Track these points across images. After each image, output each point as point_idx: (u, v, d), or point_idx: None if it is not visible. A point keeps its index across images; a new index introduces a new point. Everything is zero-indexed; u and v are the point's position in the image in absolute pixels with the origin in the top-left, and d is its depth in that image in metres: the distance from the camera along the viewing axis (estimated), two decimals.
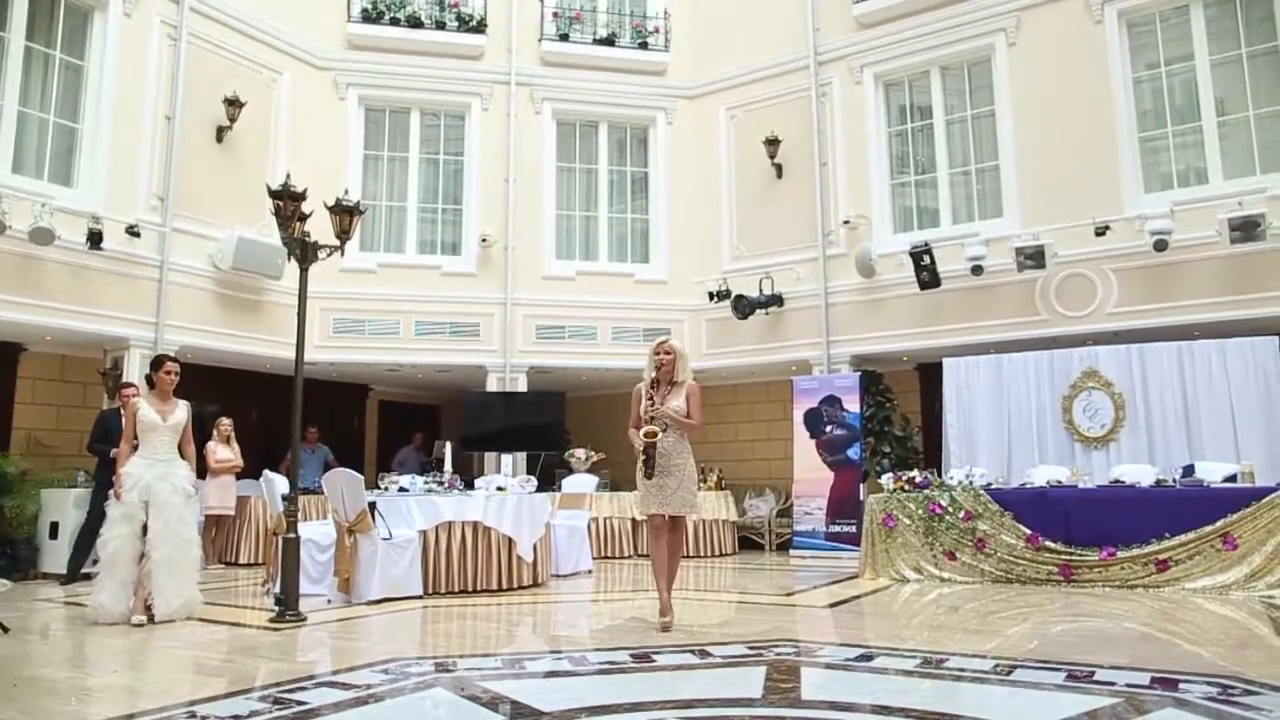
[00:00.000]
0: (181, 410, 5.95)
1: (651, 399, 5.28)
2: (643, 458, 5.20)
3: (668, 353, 5.34)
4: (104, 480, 7.97)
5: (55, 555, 8.16)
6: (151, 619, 5.47)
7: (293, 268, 6.44)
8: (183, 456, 5.94)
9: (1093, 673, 3.82)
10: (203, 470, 9.30)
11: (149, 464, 5.74)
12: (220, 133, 9.77)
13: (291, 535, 5.80)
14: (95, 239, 8.34)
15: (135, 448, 5.82)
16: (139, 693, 3.84)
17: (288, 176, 6.18)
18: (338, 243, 6.26)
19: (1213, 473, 7.28)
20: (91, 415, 8.47)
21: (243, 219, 9.68)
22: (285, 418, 6.19)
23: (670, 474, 5.24)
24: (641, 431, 5.21)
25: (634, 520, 10.03)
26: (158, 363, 6.10)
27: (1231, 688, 3.51)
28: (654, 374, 5.35)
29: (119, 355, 8.96)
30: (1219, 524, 6.62)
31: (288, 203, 6.01)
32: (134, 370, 8.78)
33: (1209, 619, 5.50)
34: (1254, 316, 8.29)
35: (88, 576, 7.80)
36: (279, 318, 9.92)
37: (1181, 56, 9.13)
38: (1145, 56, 9.35)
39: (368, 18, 11.09)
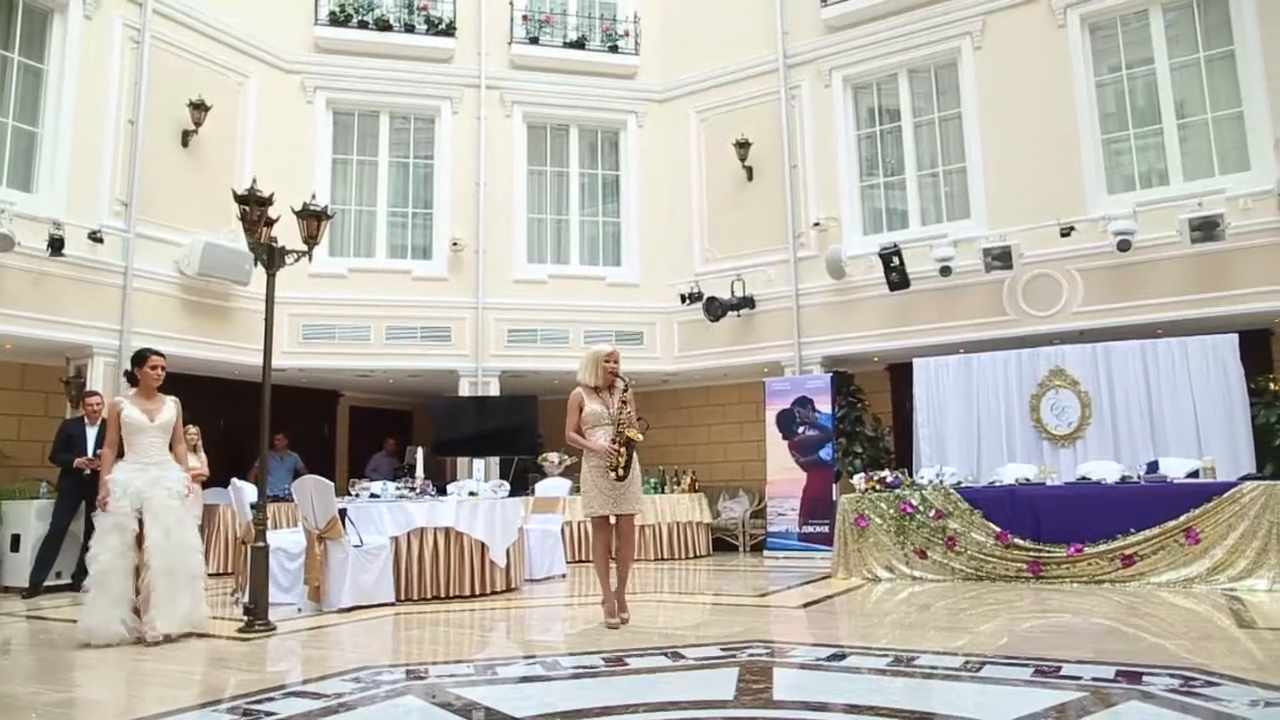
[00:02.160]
0: (170, 408, 5.50)
1: (623, 405, 5.51)
2: (623, 460, 5.39)
3: (618, 360, 5.65)
4: (67, 490, 7.86)
5: (17, 568, 8.00)
6: (153, 637, 5.01)
7: (260, 273, 6.37)
8: (175, 459, 5.50)
9: (1059, 668, 3.87)
10: None
11: (138, 469, 5.28)
12: (185, 136, 9.64)
13: (260, 544, 5.73)
14: (56, 245, 8.18)
15: (121, 454, 5.33)
16: (102, 707, 3.78)
17: (254, 181, 6.11)
18: (306, 248, 6.20)
19: (1176, 469, 7.41)
20: (54, 425, 8.32)
21: (209, 224, 9.56)
22: (254, 425, 6.11)
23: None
24: (626, 434, 5.40)
25: None
26: (141, 357, 5.56)
27: (1194, 679, 3.58)
28: (597, 381, 5.58)
29: (82, 363, 8.80)
30: (1182, 519, 6.74)
31: (254, 207, 5.94)
32: (97, 379, 8.64)
33: (1173, 612, 5.60)
34: (1214, 315, 8.46)
35: (50, 589, 7.68)
36: (247, 324, 9.81)
37: (1142, 60, 9.30)
38: (1107, 60, 9.51)
39: (335, 20, 11.00)
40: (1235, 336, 8.32)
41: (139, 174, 9.12)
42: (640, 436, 5.45)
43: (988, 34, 9.91)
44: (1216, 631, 4.88)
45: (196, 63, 9.86)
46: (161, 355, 5.67)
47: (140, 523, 5.20)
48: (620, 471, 5.39)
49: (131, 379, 5.59)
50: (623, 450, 5.40)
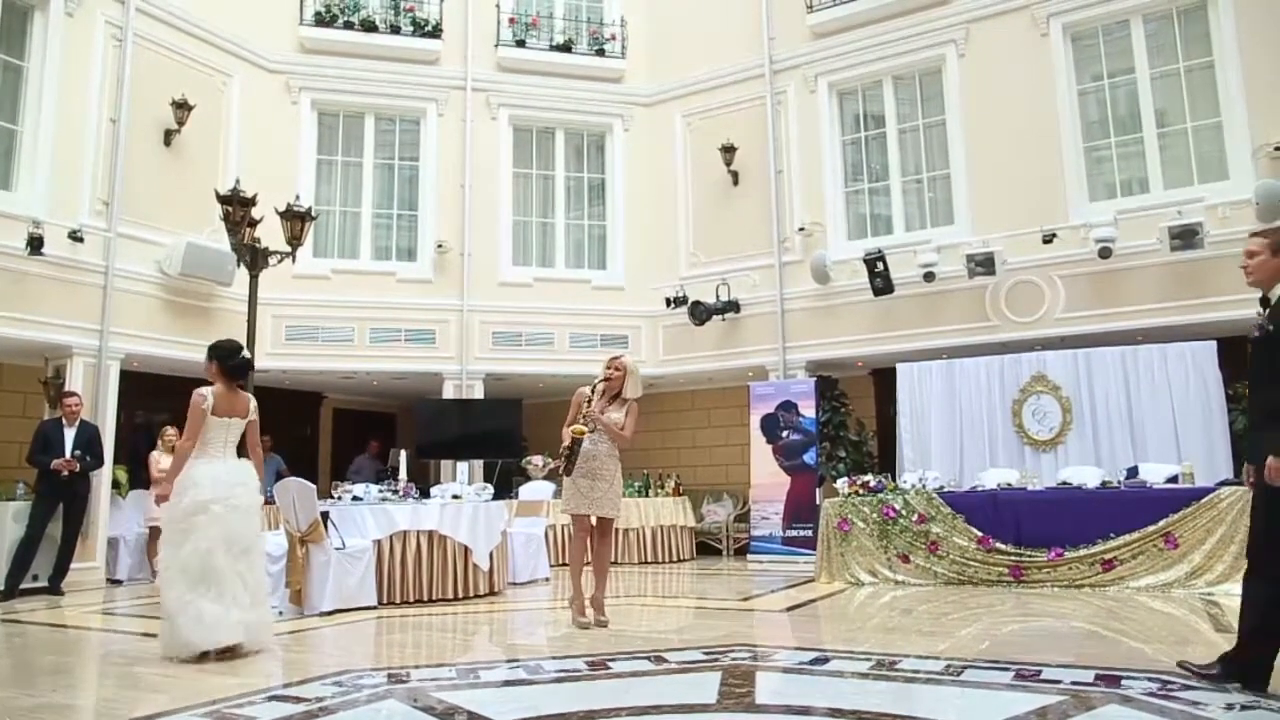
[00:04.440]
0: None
1: (589, 401, 5.51)
2: (565, 453, 5.39)
3: (618, 369, 5.57)
4: (44, 492, 7.78)
5: None
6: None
7: (243, 274, 6.35)
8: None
9: (1040, 671, 3.90)
10: (147, 480, 9.11)
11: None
12: (168, 136, 9.57)
13: None
14: (36, 244, 8.10)
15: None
16: (78, 712, 3.73)
17: (237, 181, 6.10)
18: (289, 249, 6.18)
19: (1155, 474, 7.48)
20: (32, 426, 8.22)
21: (192, 224, 9.48)
22: None
23: (600, 478, 5.49)
24: (569, 428, 5.40)
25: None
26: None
27: (1171, 683, 3.61)
28: (602, 384, 5.56)
29: (61, 364, 8.70)
30: (1161, 524, 6.81)
31: (237, 208, 5.94)
32: (76, 379, 8.55)
33: (1152, 616, 5.65)
34: (1194, 322, 8.55)
35: (26, 592, 7.58)
36: (230, 324, 9.70)
37: (1124, 69, 9.40)
38: (1090, 69, 9.61)
39: (320, 21, 10.96)
40: (1214, 343, 8.41)
41: (120, 173, 9.04)
42: (583, 430, 5.36)
43: (972, 42, 9.98)
44: (1194, 635, 4.93)
45: (180, 62, 9.79)
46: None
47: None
48: (563, 465, 5.41)
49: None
50: (563, 445, 5.40)
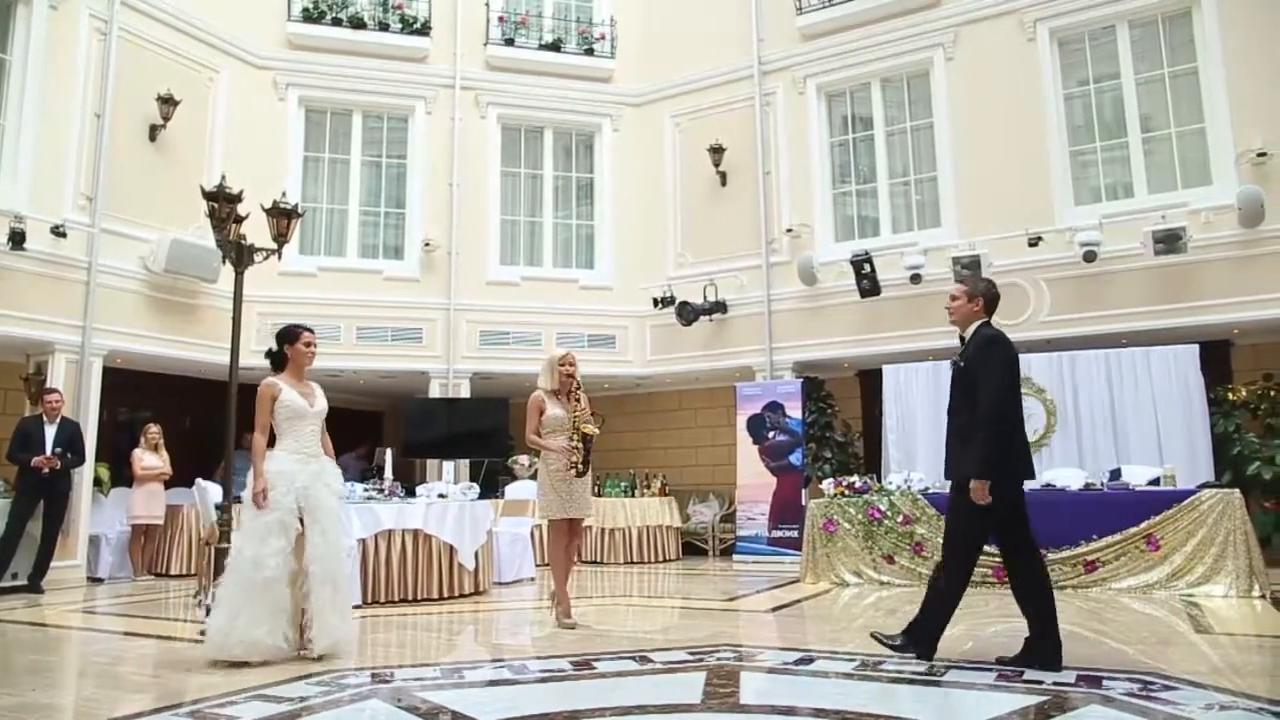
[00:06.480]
0: (322, 395, 4.88)
1: (575, 403, 5.66)
2: (581, 456, 5.51)
3: (573, 363, 5.74)
4: (25, 490, 7.71)
5: None
6: (310, 654, 4.45)
7: (229, 271, 6.31)
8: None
9: (1022, 672, 3.93)
10: (129, 478, 9.04)
11: (301, 461, 4.64)
12: (153, 131, 9.49)
13: (225, 545, 5.64)
14: (17, 239, 8.02)
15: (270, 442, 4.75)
16: (58, 712, 3.70)
17: (223, 177, 6.06)
18: (275, 246, 6.14)
19: (1137, 476, 7.53)
20: (12, 423, 8.15)
21: (177, 220, 9.41)
22: (221, 425, 6.02)
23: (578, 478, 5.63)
24: (583, 429, 5.53)
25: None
26: (292, 334, 4.84)
27: (1152, 684, 3.64)
28: (556, 385, 5.71)
29: (43, 360, 8.63)
30: (1143, 525, 6.86)
31: (223, 204, 5.89)
32: (58, 376, 8.47)
33: (1134, 618, 5.69)
34: (1177, 325, 8.62)
35: (5, 591, 7.51)
36: (214, 321, 9.67)
37: (1110, 74, 9.47)
38: (1076, 73, 9.67)
39: (309, 17, 10.91)
40: (1196, 347, 8.49)
41: (105, 168, 8.96)
42: (596, 430, 5.57)
43: (960, 45, 10.04)
44: (1175, 636, 4.97)
45: (166, 56, 9.72)
46: (313, 332, 4.97)
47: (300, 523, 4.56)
48: (580, 466, 5.51)
49: (278, 361, 4.88)
50: (579, 446, 5.51)
